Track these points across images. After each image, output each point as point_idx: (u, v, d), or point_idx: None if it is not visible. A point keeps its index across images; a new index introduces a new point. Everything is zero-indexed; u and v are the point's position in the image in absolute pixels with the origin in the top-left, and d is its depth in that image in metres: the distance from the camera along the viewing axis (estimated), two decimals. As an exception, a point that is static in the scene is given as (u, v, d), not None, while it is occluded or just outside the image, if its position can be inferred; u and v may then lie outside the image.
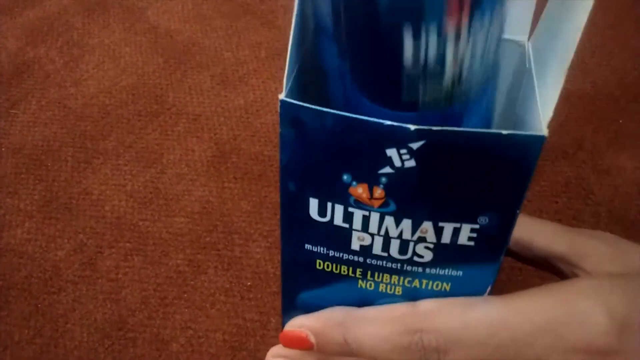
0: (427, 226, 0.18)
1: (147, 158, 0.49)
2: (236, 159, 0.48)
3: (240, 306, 0.40)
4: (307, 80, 0.20)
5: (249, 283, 0.41)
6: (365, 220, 0.18)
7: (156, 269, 0.42)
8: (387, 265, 0.19)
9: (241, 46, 0.56)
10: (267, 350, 0.38)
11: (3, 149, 0.50)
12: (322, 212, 0.19)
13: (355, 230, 0.19)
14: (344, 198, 0.18)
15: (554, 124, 0.53)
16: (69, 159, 0.49)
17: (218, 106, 0.52)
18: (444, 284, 0.20)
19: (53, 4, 0.63)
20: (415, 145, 0.16)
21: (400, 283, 0.20)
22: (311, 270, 0.20)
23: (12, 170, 0.49)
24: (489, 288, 0.21)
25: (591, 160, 0.46)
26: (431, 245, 0.19)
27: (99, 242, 0.44)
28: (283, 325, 0.26)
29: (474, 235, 0.18)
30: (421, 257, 0.19)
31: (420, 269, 0.19)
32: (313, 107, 0.17)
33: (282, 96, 0.17)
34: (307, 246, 0.20)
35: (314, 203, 0.19)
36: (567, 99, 0.50)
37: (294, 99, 0.17)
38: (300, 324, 0.25)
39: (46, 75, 0.56)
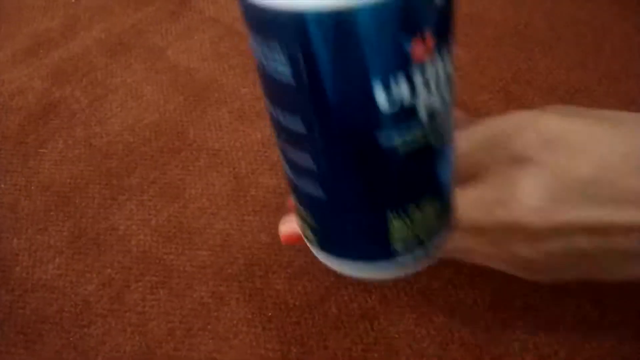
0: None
1: (170, 193, 0.51)
2: (255, 192, 0.50)
3: (262, 336, 0.42)
4: None
5: (269, 314, 0.43)
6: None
7: (181, 301, 0.44)
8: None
9: (258, 82, 0.59)
10: (289, 379, 0.39)
11: (33, 187, 0.53)
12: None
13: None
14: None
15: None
16: (95, 196, 0.52)
17: (237, 141, 0.54)
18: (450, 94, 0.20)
19: (77, 45, 0.66)
20: None
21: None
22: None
23: (42, 208, 0.51)
24: None
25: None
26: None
27: (126, 276, 0.46)
28: None
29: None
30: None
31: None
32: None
33: None
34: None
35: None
36: (574, 126, 0.52)
37: None
38: None
39: (72, 115, 0.59)
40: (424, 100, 0.18)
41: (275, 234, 0.47)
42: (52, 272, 0.47)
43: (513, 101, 0.54)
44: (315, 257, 0.46)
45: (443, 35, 0.17)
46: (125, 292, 0.45)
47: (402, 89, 0.17)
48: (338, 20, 0.16)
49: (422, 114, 0.18)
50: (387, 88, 0.17)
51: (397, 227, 0.21)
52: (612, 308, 0.40)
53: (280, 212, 0.49)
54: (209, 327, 0.42)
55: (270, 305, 0.43)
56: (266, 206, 0.49)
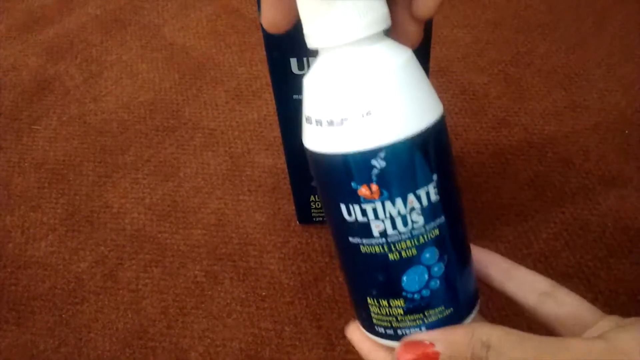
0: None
1: (164, 172, 0.50)
2: (250, 171, 0.50)
3: (255, 316, 0.41)
4: None
5: (263, 293, 0.42)
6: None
7: (175, 280, 0.44)
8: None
9: (254, 61, 0.58)
10: (282, 358, 0.39)
11: (26, 164, 0.52)
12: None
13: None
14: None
15: (560, 135, 0.54)
16: (89, 173, 0.51)
17: (232, 120, 0.54)
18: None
19: (72, 22, 0.65)
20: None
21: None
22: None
23: (35, 185, 0.51)
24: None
25: (597, 171, 0.47)
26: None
27: (120, 254, 0.45)
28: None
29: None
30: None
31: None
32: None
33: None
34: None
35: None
36: (573, 109, 0.51)
37: None
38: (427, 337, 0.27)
39: (66, 92, 0.58)
40: (374, 223, 0.25)
41: (270, 214, 0.47)
42: (45, 249, 0.46)
43: (512, 84, 0.54)
44: (309, 238, 0.46)
45: (390, 187, 0.24)
46: (119, 270, 0.45)
47: (356, 212, 0.25)
48: (320, 160, 0.25)
49: (375, 231, 0.25)
50: (347, 209, 0.25)
51: (374, 310, 0.28)
52: None
53: (275, 192, 0.48)
54: (202, 305, 0.42)
55: (264, 284, 0.43)
56: (262, 186, 0.49)
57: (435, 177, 0.25)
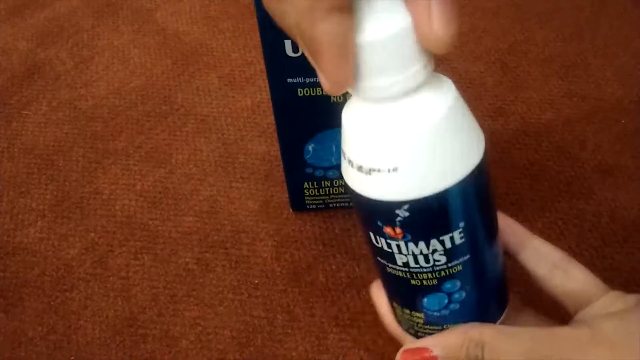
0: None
1: (156, 158, 0.50)
2: (243, 159, 0.49)
3: (247, 304, 0.41)
4: None
5: (256, 281, 0.42)
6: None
7: (166, 267, 0.43)
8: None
9: (248, 47, 0.57)
10: (275, 346, 0.39)
11: (15, 150, 0.52)
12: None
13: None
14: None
15: (556, 124, 0.53)
16: (79, 159, 0.50)
17: (225, 107, 0.53)
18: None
19: (63, 5, 0.64)
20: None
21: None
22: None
23: (24, 170, 0.50)
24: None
25: (593, 160, 0.47)
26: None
27: (110, 240, 0.45)
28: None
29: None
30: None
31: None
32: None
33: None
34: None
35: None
36: (569, 98, 0.51)
37: None
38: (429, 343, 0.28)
39: (57, 77, 0.57)
40: (397, 255, 0.26)
41: (263, 201, 0.46)
42: (34, 235, 0.46)
43: (508, 72, 0.53)
44: (303, 226, 0.45)
45: (413, 232, 0.25)
46: (109, 256, 0.44)
47: (382, 243, 0.26)
48: (351, 192, 0.26)
49: (398, 261, 0.26)
50: (375, 238, 0.26)
51: (398, 312, 0.30)
52: None
53: (269, 179, 0.48)
54: (194, 293, 0.42)
55: (256, 272, 0.42)
56: (254, 173, 0.48)
57: (462, 224, 0.25)
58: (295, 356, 0.38)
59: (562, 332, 0.26)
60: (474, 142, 0.25)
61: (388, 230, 0.25)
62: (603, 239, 0.42)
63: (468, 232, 0.25)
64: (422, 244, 0.25)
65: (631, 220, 0.43)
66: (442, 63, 0.55)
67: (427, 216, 0.24)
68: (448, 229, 0.25)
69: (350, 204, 0.29)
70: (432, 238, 0.25)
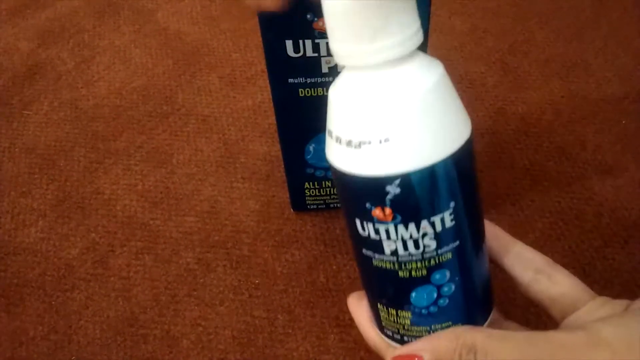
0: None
1: (157, 158, 0.50)
2: (244, 159, 0.49)
3: (248, 304, 0.41)
4: None
5: (257, 281, 0.42)
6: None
7: (167, 267, 0.43)
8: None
9: (249, 47, 0.57)
10: (275, 346, 0.39)
11: (16, 149, 0.52)
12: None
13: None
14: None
15: (557, 125, 0.53)
16: (81, 159, 0.50)
17: (226, 107, 0.53)
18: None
19: (64, 5, 0.64)
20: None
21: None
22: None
23: (26, 170, 0.50)
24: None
25: (594, 161, 0.47)
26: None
27: (111, 240, 0.45)
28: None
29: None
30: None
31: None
32: None
33: None
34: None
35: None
36: (570, 99, 0.51)
37: None
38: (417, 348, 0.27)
39: (58, 77, 0.57)
40: (385, 242, 0.25)
41: (264, 201, 0.46)
42: (35, 235, 0.46)
43: (509, 73, 0.53)
44: (303, 226, 0.45)
45: (404, 212, 0.24)
46: (110, 256, 0.44)
47: (369, 229, 0.25)
48: (339, 174, 0.25)
49: (386, 249, 0.25)
50: (361, 225, 0.25)
51: (383, 315, 0.29)
52: None
53: (269, 179, 0.48)
54: (194, 293, 0.42)
55: (257, 272, 0.42)
56: (255, 173, 0.48)
57: (452, 204, 0.25)
58: (296, 356, 0.38)
59: (557, 336, 0.25)
60: (464, 117, 0.25)
61: (377, 212, 0.25)
62: (604, 239, 0.42)
63: (458, 215, 0.25)
64: (412, 227, 0.25)
65: (632, 220, 0.43)
66: (442, 63, 0.55)
67: (418, 192, 0.24)
68: (439, 208, 0.25)
69: (336, 193, 0.28)
70: (423, 219, 0.24)
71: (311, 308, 0.40)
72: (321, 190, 0.43)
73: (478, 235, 0.27)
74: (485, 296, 0.29)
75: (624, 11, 0.58)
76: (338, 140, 0.24)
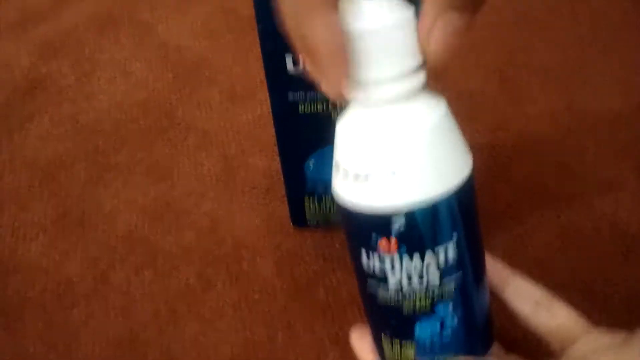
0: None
1: (157, 173, 0.50)
2: (244, 173, 0.49)
3: (248, 320, 0.41)
4: None
5: (256, 297, 0.42)
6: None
7: (166, 283, 0.43)
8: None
9: (249, 61, 0.57)
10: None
11: (17, 164, 0.52)
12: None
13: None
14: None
15: (556, 138, 0.53)
16: (81, 174, 0.51)
17: (227, 121, 0.53)
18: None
19: (65, 20, 0.64)
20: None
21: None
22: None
23: (26, 184, 0.50)
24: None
25: (593, 175, 0.47)
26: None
27: (111, 256, 0.45)
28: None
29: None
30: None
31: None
32: None
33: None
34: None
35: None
36: (569, 112, 0.51)
37: None
38: None
39: (59, 91, 0.57)
40: (390, 274, 0.26)
41: (264, 216, 0.46)
42: (35, 250, 0.46)
43: (508, 85, 0.54)
44: (304, 241, 0.45)
45: (409, 243, 0.25)
46: (110, 272, 0.44)
47: (374, 260, 0.26)
48: (344, 206, 0.26)
49: (391, 281, 0.26)
50: (367, 255, 0.26)
51: (386, 346, 0.29)
52: None
53: (269, 194, 0.48)
54: (194, 309, 0.42)
55: (257, 288, 0.42)
56: (256, 188, 0.48)
57: (455, 235, 0.25)
58: (296, 373, 0.38)
59: None
60: (467, 150, 0.26)
61: (383, 243, 0.25)
62: (604, 254, 0.42)
63: (460, 245, 0.26)
64: (416, 257, 0.25)
65: (632, 235, 0.43)
66: (441, 76, 0.55)
67: (423, 224, 0.25)
68: (443, 239, 0.25)
69: (341, 226, 0.28)
70: (427, 249, 0.25)
71: (311, 325, 0.40)
72: (321, 205, 0.43)
73: (479, 267, 0.28)
74: (486, 328, 0.29)
75: (623, 24, 0.58)
76: (345, 173, 0.25)
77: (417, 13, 0.24)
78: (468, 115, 0.53)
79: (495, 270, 0.31)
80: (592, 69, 0.54)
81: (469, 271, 0.27)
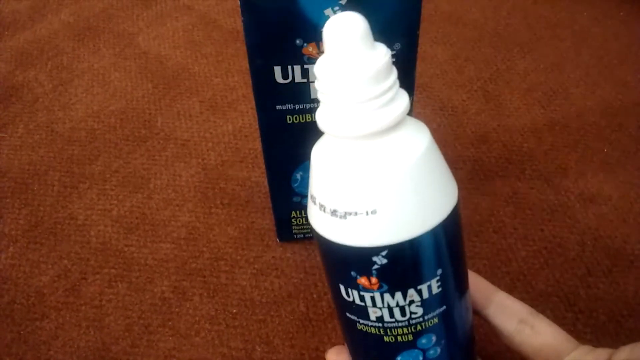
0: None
1: (134, 183, 0.49)
2: (224, 184, 0.48)
3: (225, 334, 0.40)
4: None
5: (234, 310, 0.41)
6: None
7: (141, 296, 0.42)
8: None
9: (231, 72, 0.57)
10: (252, 379, 0.37)
11: (-11, 173, 0.50)
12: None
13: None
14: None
15: (539, 152, 0.53)
16: (55, 183, 0.49)
17: (206, 132, 0.52)
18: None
19: (43, 28, 0.63)
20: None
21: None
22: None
23: (-2, 194, 0.49)
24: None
25: (576, 189, 0.46)
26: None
27: (84, 267, 0.43)
28: None
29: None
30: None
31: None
32: None
33: None
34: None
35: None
36: (552, 127, 0.51)
37: None
38: None
39: (35, 99, 0.56)
40: (371, 308, 0.25)
41: (243, 228, 0.45)
42: (5, 261, 0.44)
43: (491, 100, 0.53)
44: (283, 253, 0.44)
45: (390, 282, 0.24)
46: (82, 284, 0.42)
47: (354, 296, 0.25)
48: (322, 241, 0.24)
49: (372, 316, 0.25)
50: (346, 291, 0.25)
51: None
52: None
53: (249, 205, 0.47)
54: (169, 323, 0.40)
55: (235, 301, 0.41)
56: (235, 199, 0.47)
57: (440, 271, 0.24)
58: (274, 389, 0.37)
59: None
60: (451, 183, 0.24)
61: (363, 280, 0.24)
62: (587, 268, 0.42)
63: (444, 281, 0.24)
64: (398, 295, 0.24)
65: (615, 249, 0.43)
66: (425, 91, 0.54)
67: (406, 262, 0.23)
68: (426, 277, 0.24)
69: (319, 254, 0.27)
70: (410, 287, 0.24)
71: (290, 339, 0.39)
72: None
73: (463, 294, 0.27)
74: (469, 348, 0.28)
75: (604, 41, 0.59)
76: (322, 208, 0.23)
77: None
78: (452, 129, 0.53)
79: (478, 287, 0.30)
80: (574, 86, 0.54)
81: (453, 303, 0.25)
